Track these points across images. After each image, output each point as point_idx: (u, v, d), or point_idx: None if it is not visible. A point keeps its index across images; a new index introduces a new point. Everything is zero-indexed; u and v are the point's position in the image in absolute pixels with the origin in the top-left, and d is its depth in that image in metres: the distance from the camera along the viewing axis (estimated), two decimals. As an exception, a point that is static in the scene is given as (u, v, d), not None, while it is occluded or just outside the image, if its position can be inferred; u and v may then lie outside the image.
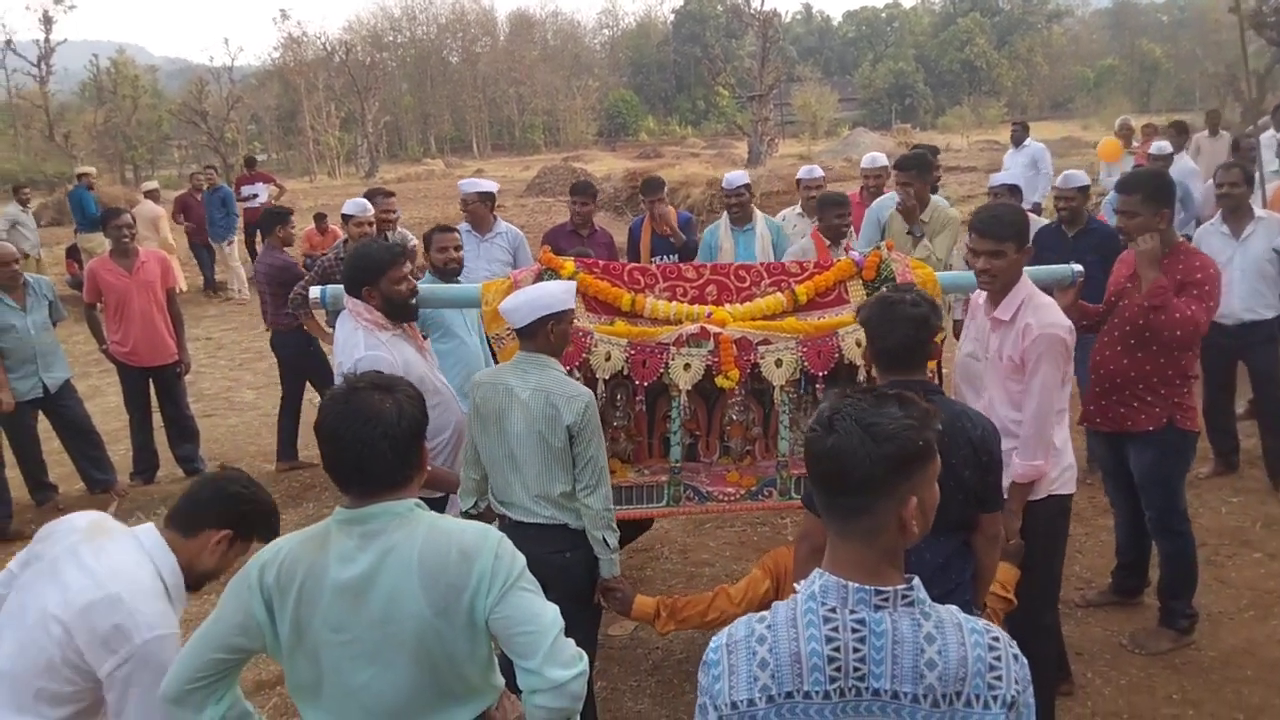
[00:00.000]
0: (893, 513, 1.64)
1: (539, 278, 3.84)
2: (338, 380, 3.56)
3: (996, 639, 1.65)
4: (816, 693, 1.60)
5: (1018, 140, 11.73)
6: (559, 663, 2.10)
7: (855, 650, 1.60)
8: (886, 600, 1.62)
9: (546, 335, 3.35)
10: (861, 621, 1.61)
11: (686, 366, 3.73)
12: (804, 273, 4.09)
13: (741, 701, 1.62)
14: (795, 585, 1.70)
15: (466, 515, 3.59)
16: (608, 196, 20.68)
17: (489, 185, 6.69)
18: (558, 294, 3.37)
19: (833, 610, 1.63)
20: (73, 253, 14.26)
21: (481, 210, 6.47)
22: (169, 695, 2.14)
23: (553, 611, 2.16)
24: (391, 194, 7.14)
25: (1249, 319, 5.64)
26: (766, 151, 30.37)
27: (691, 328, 3.75)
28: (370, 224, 6.50)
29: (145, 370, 6.97)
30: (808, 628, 1.62)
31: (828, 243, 5.80)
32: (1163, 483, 4.20)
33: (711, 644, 1.70)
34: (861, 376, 3.88)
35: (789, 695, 1.61)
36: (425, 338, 4.06)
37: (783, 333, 3.82)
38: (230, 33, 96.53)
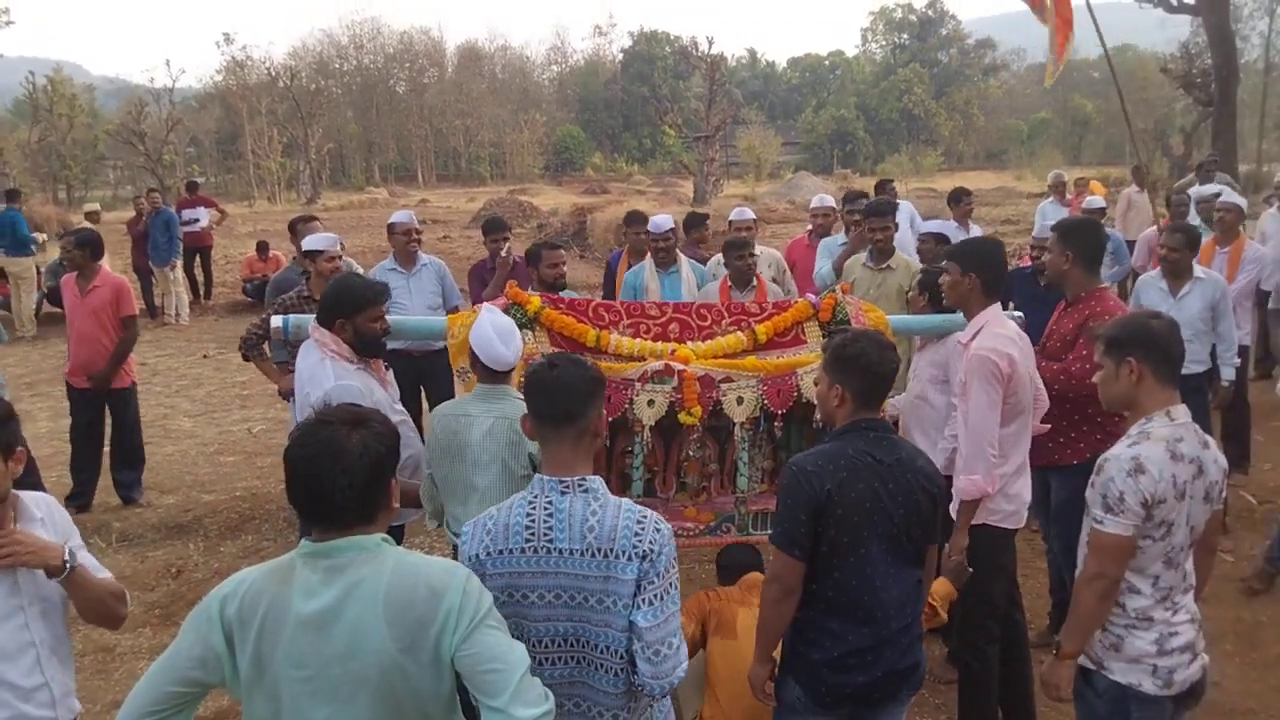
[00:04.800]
0: (590, 420, 2.47)
1: (505, 311, 3.84)
2: (304, 412, 3.54)
3: (644, 516, 2.41)
4: (516, 548, 2.38)
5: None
6: (525, 701, 2.07)
7: (545, 521, 2.38)
8: (568, 488, 2.41)
9: (514, 371, 3.43)
10: (550, 502, 2.41)
11: (650, 403, 3.75)
12: (763, 313, 4.16)
13: (474, 555, 2.41)
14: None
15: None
16: (554, 230, 20.74)
17: (414, 216, 6.81)
18: (515, 329, 3.48)
19: (534, 496, 2.43)
20: (1, 274, 13.86)
21: (418, 240, 6.54)
22: None
23: (520, 649, 2.14)
24: (314, 219, 6.90)
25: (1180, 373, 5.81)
26: (712, 191, 30.70)
27: (656, 364, 3.77)
28: (339, 258, 5.86)
29: (95, 393, 6.80)
30: (516, 509, 2.43)
31: (731, 287, 5.91)
32: (1079, 516, 4.29)
33: (463, 525, 2.53)
34: (819, 415, 3.92)
35: (500, 551, 2.39)
36: (387, 369, 4.01)
37: (744, 371, 3.87)
38: (172, 54, 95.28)
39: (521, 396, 3.43)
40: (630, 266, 6.84)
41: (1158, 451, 2.70)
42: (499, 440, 3.32)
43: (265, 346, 5.83)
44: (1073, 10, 6.99)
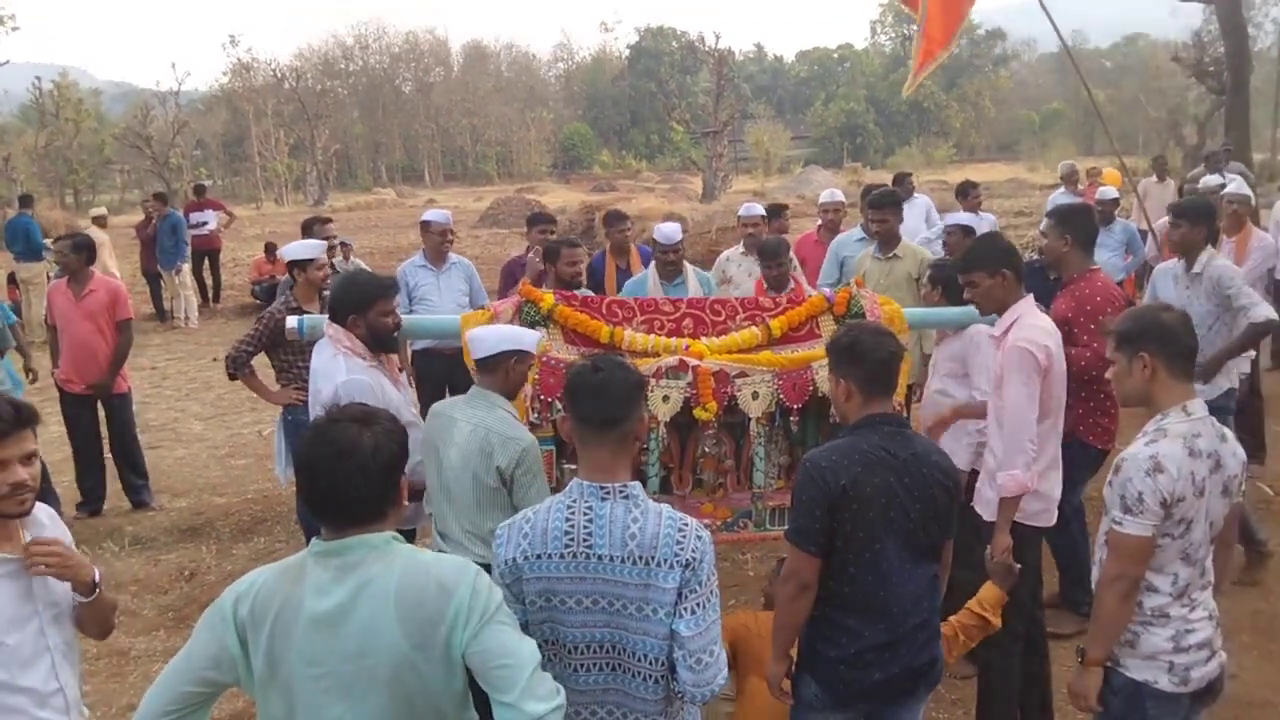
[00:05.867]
0: (633, 425, 2.45)
1: (519, 309, 3.84)
2: (317, 410, 3.54)
3: (686, 523, 2.37)
4: (554, 553, 2.35)
5: (906, 194, 8.99)
6: (536, 696, 2.07)
7: (585, 527, 2.35)
8: (609, 494, 2.38)
9: (505, 372, 3.39)
10: (590, 507, 2.37)
11: (665, 398, 3.74)
12: (777, 307, 4.15)
13: (510, 559, 2.38)
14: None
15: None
16: (563, 229, 20.71)
17: (449, 216, 6.81)
18: (525, 336, 3.46)
19: (573, 501, 2.39)
20: (12, 279, 13.92)
21: (451, 240, 6.55)
22: None
23: (530, 645, 2.15)
24: (329, 220, 6.88)
25: None
26: (721, 187, 30.68)
27: (670, 360, 3.77)
28: (328, 265, 5.72)
29: (88, 398, 6.80)
30: (554, 512, 2.40)
31: (767, 290, 5.77)
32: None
33: (498, 527, 2.48)
34: (834, 410, 3.90)
35: (538, 556, 2.36)
36: (400, 370, 4.02)
37: (759, 366, 3.86)
38: (177, 57, 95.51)
39: (508, 408, 3.43)
40: (616, 266, 6.74)
41: (1175, 449, 2.66)
42: (472, 449, 3.29)
43: (254, 363, 5.44)
44: (950, 35, 6.88)
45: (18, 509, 2.45)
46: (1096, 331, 4.25)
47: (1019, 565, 3.39)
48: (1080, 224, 4.40)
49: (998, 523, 3.55)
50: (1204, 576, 2.80)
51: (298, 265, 5.38)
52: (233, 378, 5.49)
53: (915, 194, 9.86)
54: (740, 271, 6.60)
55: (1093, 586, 2.86)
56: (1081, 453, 4.31)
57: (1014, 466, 3.48)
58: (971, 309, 4.06)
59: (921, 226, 8.86)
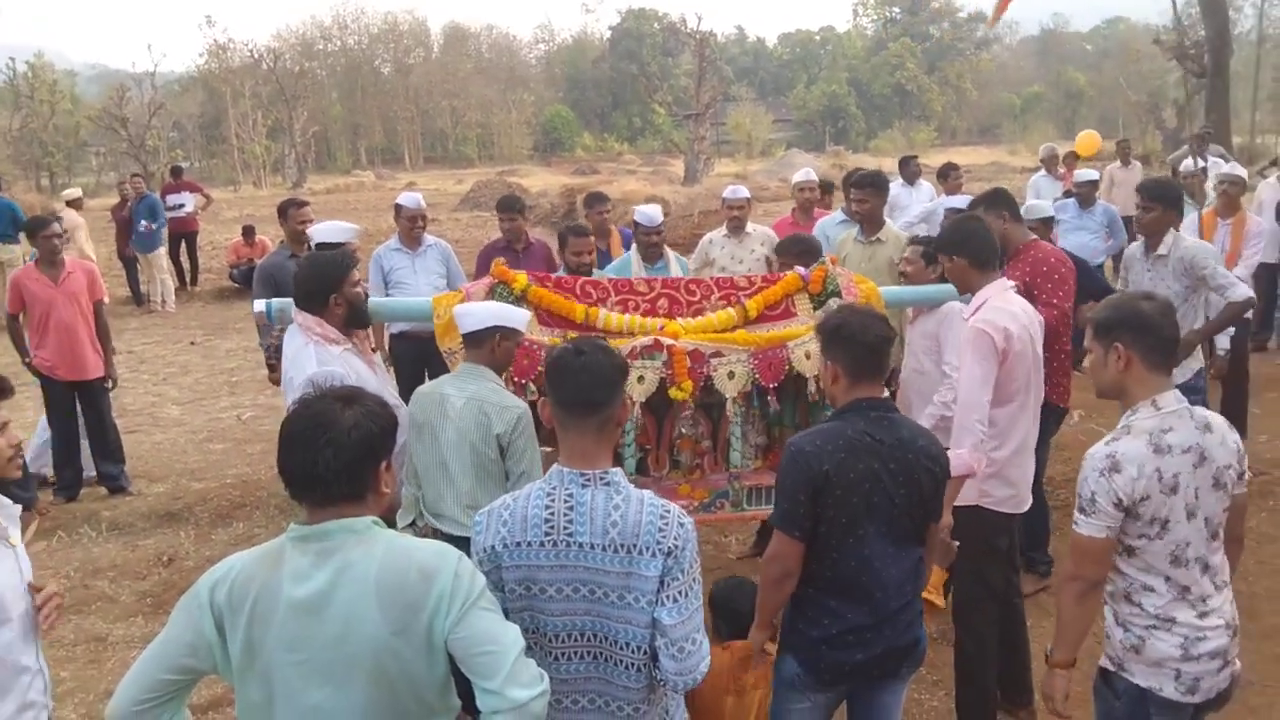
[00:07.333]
0: (615, 410, 2.39)
1: (491, 290, 3.81)
2: (290, 395, 3.50)
3: (668, 510, 2.33)
4: (534, 541, 2.31)
5: (912, 177, 9.52)
6: (520, 683, 2.05)
7: (565, 514, 2.31)
8: (589, 481, 2.33)
9: (492, 347, 3.43)
10: (570, 495, 2.32)
11: (640, 379, 3.73)
12: (752, 286, 4.14)
13: (489, 547, 2.34)
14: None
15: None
16: (544, 212, 20.63)
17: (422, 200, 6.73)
18: (513, 313, 3.50)
19: (553, 488, 2.35)
20: (-7, 262, 13.72)
21: (423, 225, 6.47)
22: (115, 716, 2.06)
23: (513, 631, 2.13)
24: (305, 203, 6.72)
25: None
26: (703, 170, 30.61)
27: (645, 340, 3.76)
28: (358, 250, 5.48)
29: (70, 384, 6.71)
30: (534, 499, 2.34)
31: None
32: None
33: (476, 515, 2.45)
34: (811, 388, 3.90)
35: (518, 544, 2.31)
36: (374, 350, 3.98)
37: (734, 345, 3.85)
38: (153, 39, 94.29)
39: (496, 380, 3.46)
40: (597, 248, 6.65)
41: (1137, 447, 2.55)
42: (469, 422, 3.33)
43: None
44: None
45: (15, 472, 2.60)
46: (1054, 289, 4.46)
47: (971, 548, 3.39)
48: (1006, 200, 4.67)
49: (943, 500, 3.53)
50: (1215, 578, 2.66)
51: (327, 249, 5.06)
52: (273, 368, 5.34)
53: (920, 179, 9.77)
54: (723, 254, 6.55)
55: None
56: (1045, 411, 4.32)
57: (960, 446, 3.45)
58: (947, 286, 4.04)
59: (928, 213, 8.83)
